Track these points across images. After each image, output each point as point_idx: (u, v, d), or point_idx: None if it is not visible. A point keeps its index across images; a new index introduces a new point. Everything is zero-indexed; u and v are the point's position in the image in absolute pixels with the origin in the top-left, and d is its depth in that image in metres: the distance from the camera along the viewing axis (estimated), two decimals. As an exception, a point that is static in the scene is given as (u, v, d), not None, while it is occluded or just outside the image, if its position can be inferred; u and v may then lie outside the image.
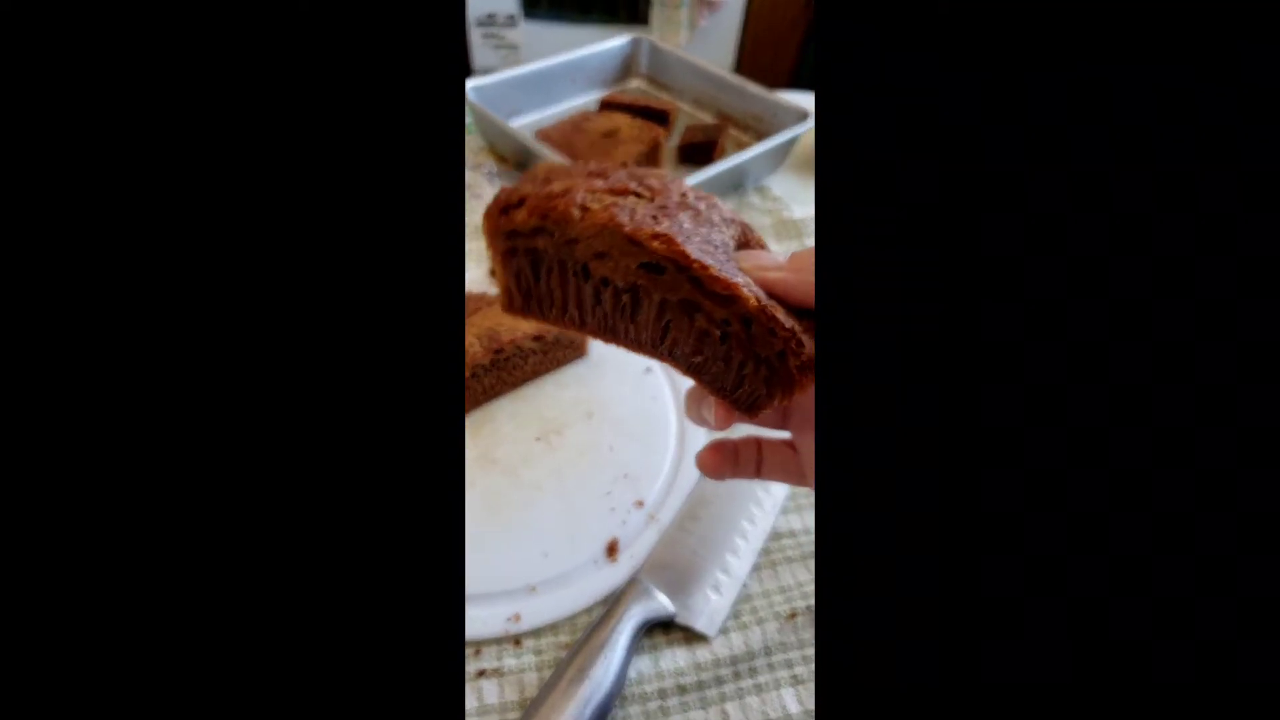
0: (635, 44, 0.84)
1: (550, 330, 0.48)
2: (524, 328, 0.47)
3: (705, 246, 0.20)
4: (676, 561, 0.40)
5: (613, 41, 0.82)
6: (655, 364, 0.52)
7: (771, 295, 0.20)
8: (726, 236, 0.21)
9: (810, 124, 0.70)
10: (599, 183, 0.20)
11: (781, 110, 0.73)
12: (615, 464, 0.46)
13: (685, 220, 0.20)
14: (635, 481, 0.45)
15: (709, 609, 0.38)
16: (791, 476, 0.28)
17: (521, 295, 0.22)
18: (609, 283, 0.20)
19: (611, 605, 0.37)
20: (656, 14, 1.67)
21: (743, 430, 0.28)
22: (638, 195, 0.20)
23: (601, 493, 0.44)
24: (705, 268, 0.19)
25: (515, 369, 0.48)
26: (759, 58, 1.89)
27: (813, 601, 0.40)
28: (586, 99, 0.82)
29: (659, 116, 0.75)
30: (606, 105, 0.78)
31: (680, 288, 0.20)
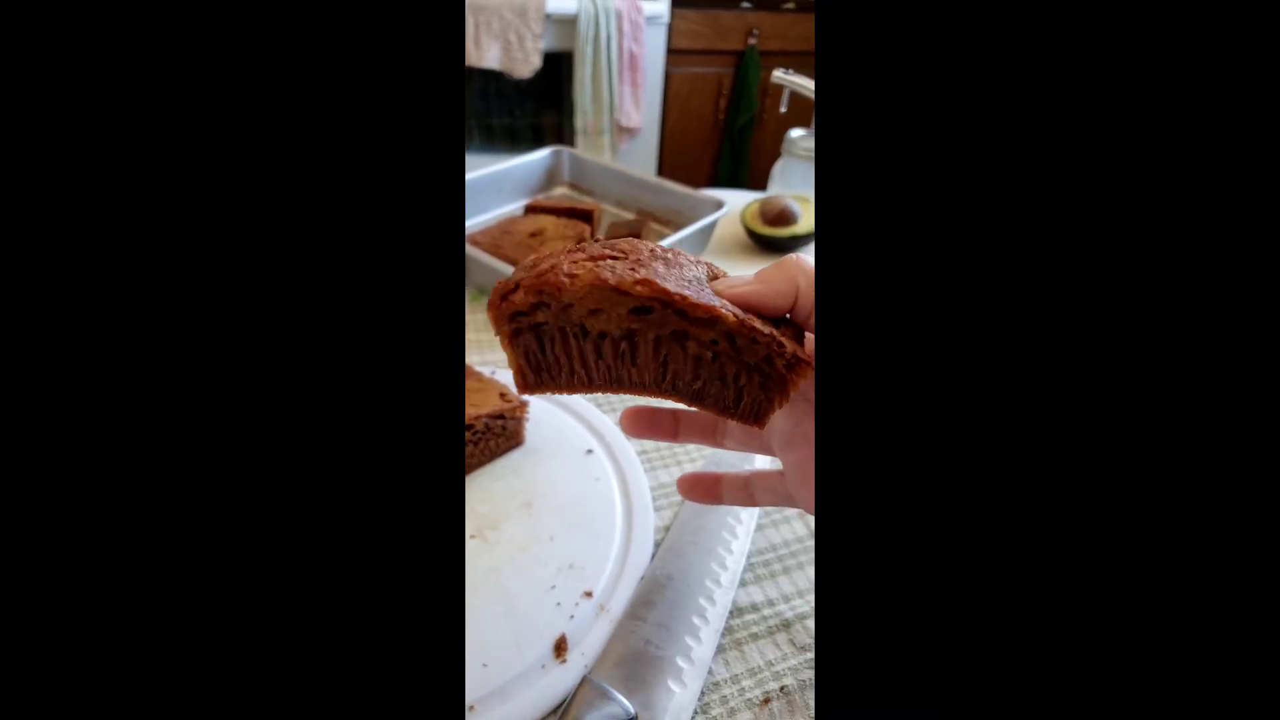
0: (557, 154, 0.90)
1: (482, 418, 0.45)
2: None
3: (681, 283, 0.22)
4: (632, 654, 0.36)
5: (536, 153, 0.87)
6: (596, 444, 0.50)
7: (747, 310, 0.23)
8: (699, 273, 0.24)
9: (726, 210, 0.74)
10: (579, 255, 0.23)
11: (698, 202, 0.78)
12: (558, 555, 0.42)
13: (659, 267, 0.23)
14: (581, 571, 0.41)
15: (674, 705, 0.34)
16: (780, 498, 0.30)
17: (533, 371, 0.24)
18: (606, 335, 0.23)
19: (562, 715, 0.32)
20: (581, 141, 1.81)
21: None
22: (613, 258, 0.23)
23: (545, 587, 0.40)
24: (685, 298, 0.21)
25: (445, 462, 0.45)
26: (677, 175, 2.06)
27: (786, 682, 0.36)
28: (513, 207, 0.86)
29: (583, 216, 0.78)
30: (531, 210, 0.81)
31: (668, 322, 0.22)
